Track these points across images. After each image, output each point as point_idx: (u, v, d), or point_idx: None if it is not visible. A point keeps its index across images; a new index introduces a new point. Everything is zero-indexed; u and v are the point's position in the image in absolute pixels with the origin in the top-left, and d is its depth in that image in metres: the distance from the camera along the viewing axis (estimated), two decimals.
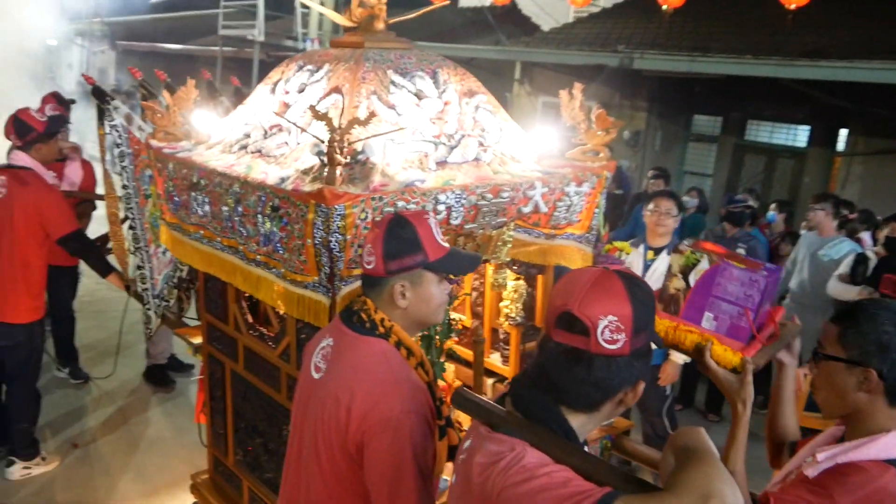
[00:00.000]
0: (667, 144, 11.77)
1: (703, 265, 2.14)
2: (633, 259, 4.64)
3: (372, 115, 2.38)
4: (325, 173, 2.31)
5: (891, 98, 8.14)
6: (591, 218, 3.06)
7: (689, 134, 11.89)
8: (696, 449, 1.41)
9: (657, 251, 4.65)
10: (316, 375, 2.11)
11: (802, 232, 6.88)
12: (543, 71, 13.06)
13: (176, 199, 3.05)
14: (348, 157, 2.42)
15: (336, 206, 2.27)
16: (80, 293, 6.10)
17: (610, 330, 1.47)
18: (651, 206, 4.68)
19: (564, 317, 1.51)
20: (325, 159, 2.31)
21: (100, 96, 3.89)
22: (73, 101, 6.21)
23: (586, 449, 1.61)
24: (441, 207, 2.53)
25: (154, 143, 3.16)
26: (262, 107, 2.97)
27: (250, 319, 3.12)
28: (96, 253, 4.48)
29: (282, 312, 2.70)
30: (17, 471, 4.45)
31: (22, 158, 4.21)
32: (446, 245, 2.09)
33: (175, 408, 5.52)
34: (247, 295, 3.09)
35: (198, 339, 3.62)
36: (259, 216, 2.54)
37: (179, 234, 3.10)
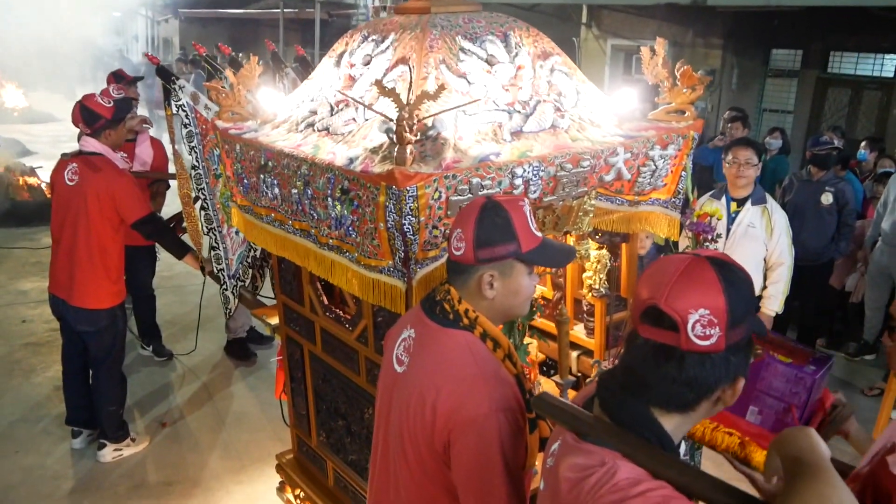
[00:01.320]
0: (744, 82, 11.24)
1: None
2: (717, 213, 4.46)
3: (441, 87, 2.25)
4: (395, 152, 2.19)
5: None
6: (677, 182, 2.88)
7: (767, 70, 11.27)
8: (810, 463, 1.25)
9: (741, 202, 4.47)
10: (399, 369, 2.02)
11: (885, 169, 6.50)
12: (611, 13, 12.61)
13: (245, 181, 2.98)
14: (418, 135, 2.30)
15: (408, 188, 2.15)
16: (159, 269, 6.18)
17: (702, 325, 1.32)
18: (729, 157, 4.46)
19: (651, 311, 1.36)
20: (395, 137, 2.19)
21: (165, 76, 3.84)
22: (140, 78, 6.23)
23: (682, 449, 1.48)
24: (518, 181, 2.38)
25: (220, 123, 3.09)
26: (327, 81, 2.86)
27: (326, 301, 3.06)
28: (171, 235, 4.49)
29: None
30: (109, 453, 4.55)
31: (93, 144, 4.21)
32: (539, 235, 1.95)
33: (258, 381, 5.57)
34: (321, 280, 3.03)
35: (275, 320, 3.59)
36: (329, 199, 2.44)
37: (251, 217, 3.03)
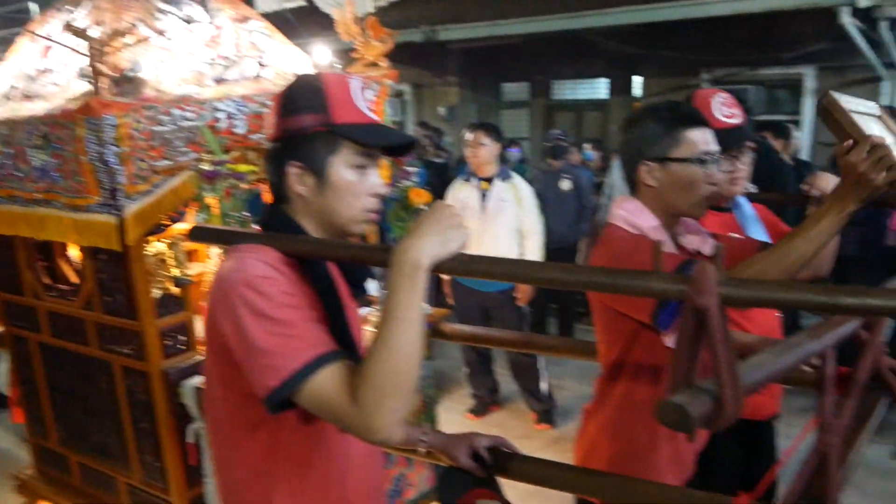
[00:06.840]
0: (482, 115, 12.17)
1: None
2: (470, 193, 4.80)
3: (133, 26, 2.34)
4: (91, 86, 2.24)
5: (672, 38, 8.76)
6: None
7: (501, 102, 12.36)
8: None
9: (489, 180, 4.81)
10: None
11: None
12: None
13: None
14: (116, 75, 2.37)
15: (106, 116, 2.21)
16: None
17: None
18: (466, 139, 4.82)
19: None
20: (91, 72, 2.24)
21: None
22: None
23: None
24: (221, 115, 2.50)
25: None
26: (25, 57, 2.84)
27: (48, 282, 2.97)
28: None
29: (76, 248, 2.59)
30: None
31: None
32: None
33: None
34: (41, 260, 2.96)
35: None
36: (30, 150, 2.43)
37: None
